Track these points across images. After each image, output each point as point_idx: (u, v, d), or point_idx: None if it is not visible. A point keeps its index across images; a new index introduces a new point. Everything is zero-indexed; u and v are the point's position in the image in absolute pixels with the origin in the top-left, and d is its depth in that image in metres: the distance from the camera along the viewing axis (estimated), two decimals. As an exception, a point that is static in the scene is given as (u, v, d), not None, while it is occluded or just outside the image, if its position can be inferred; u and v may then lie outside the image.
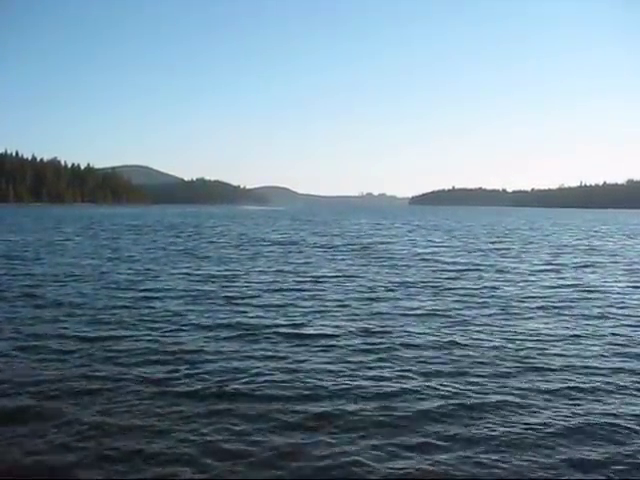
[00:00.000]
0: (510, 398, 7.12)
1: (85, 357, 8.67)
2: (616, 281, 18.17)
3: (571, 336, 10.36)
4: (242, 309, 12.54)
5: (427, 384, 7.60)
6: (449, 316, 12.01)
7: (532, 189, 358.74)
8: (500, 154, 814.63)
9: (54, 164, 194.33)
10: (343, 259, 24.19)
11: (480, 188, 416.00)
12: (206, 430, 6.12)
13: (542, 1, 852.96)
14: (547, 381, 7.81)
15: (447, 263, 22.89)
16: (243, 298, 13.92)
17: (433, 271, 20.11)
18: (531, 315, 12.30)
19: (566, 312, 12.65)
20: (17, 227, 48.34)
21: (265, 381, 7.65)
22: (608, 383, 7.75)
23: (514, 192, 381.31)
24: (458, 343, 9.74)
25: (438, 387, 7.50)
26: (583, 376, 8.03)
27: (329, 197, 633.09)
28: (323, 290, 15.43)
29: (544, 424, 6.35)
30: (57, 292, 14.54)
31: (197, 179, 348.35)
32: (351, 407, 6.78)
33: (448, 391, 7.35)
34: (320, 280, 17.32)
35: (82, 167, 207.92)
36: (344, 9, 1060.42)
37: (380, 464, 5.45)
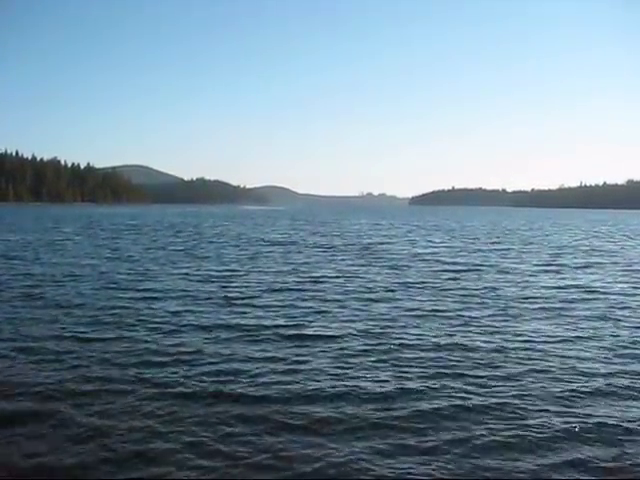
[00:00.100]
0: (510, 400, 7.10)
1: (84, 358, 8.63)
2: (616, 282, 18.15)
3: (571, 337, 10.34)
4: (241, 310, 12.52)
5: (427, 386, 7.57)
6: (449, 317, 11.99)
7: (532, 189, 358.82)
8: (500, 154, 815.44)
9: (54, 164, 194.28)
10: (343, 259, 24.16)
11: (480, 188, 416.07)
12: (205, 432, 6.09)
13: (542, 1, 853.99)
14: (548, 383, 7.78)
15: (447, 263, 22.87)
16: (242, 298, 13.90)
17: (433, 271, 20.09)
18: (531, 316, 12.27)
19: (566, 313, 12.62)
20: (17, 227, 48.31)
21: (264, 382, 7.62)
22: (609, 385, 7.72)
23: (514, 192, 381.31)
24: (458, 344, 9.71)
25: (438, 389, 7.47)
26: (583, 378, 8.01)
27: (329, 197, 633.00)
28: (323, 290, 15.41)
29: (545, 426, 6.33)
30: (56, 292, 14.51)
31: (197, 179, 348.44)
32: (351, 409, 6.76)
33: (448, 393, 7.33)
34: (320, 280, 17.30)
35: (82, 167, 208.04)
36: (344, 9, 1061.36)
37: (380, 466, 5.43)
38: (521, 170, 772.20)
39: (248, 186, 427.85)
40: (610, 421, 6.48)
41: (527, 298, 14.51)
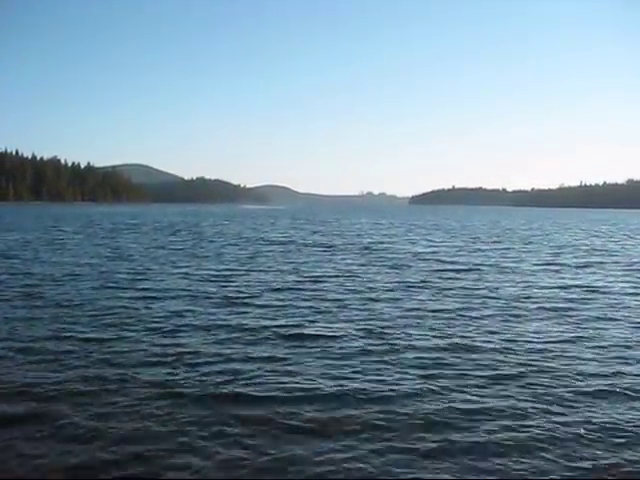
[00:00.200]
0: (511, 401, 7.06)
1: (83, 358, 8.60)
2: (617, 281, 18.11)
3: (572, 337, 10.29)
4: (241, 309, 12.48)
5: (427, 386, 7.53)
6: (449, 317, 11.95)
7: (532, 189, 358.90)
8: (500, 154, 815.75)
9: (54, 163, 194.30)
10: (343, 259, 24.12)
11: (480, 188, 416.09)
12: (204, 433, 6.06)
13: (542, 1, 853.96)
14: (548, 383, 7.74)
15: (447, 263, 22.83)
16: (242, 298, 13.86)
17: (433, 271, 20.05)
18: (532, 316, 12.23)
19: (567, 313, 12.58)
20: (16, 226, 48.27)
21: (263, 383, 7.58)
22: (610, 385, 7.68)
23: (514, 192, 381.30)
24: (458, 344, 9.68)
25: (438, 390, 7.44)
26: (584, 378, 7.97)
27: (329, 196, 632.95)
28: (323, 290, 15.37)
29: (545, 427, 6.29)
30: (55, 292, 14.47)
31: (197, 178, 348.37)
32: (350, 410, 6.72)
33: (448, 394, 7.29)
34: (320, 280, 17.26)
35: (82, 166, 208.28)
36: (344, 9, 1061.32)
37: (379, 468, 5.39)
38: (521, 170, 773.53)
39: (248, 185, 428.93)
40: (611, 422, 6.45)
41: (527, 298, 14.48)
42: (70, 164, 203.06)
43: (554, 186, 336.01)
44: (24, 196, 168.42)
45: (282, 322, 11.24)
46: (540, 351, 9.35)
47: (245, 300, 13.61)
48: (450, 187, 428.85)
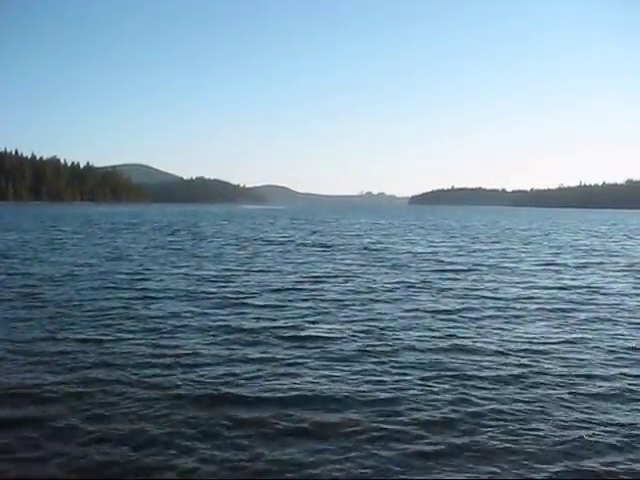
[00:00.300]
0: (510, 403, 7.03)
1: (81, 360, 8.54)
2: (616, 282, 18.08)
3: (572, 338, 10.26)
4: (240, 310, 12.44)
5: (426, 388, 7.50)
6: (448, 317, 11.92)
7: (531, 189, 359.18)
8: (500, 154, 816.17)
9: (53, 163, 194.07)
10: (342, 259, 24.08)
11: (480, 188, 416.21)
12: (201, 435, 6.02)
13: (542, 1, 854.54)
14: (548, 385, 7.71)
15: (446, 263, 22.79)
16: (241, 299, 13.82)
17: (432, 271, 20.02)
18: (531, 316, 12.20)
19: (566, 314, 12.55)
20: (15, 225, 48.21)
21: (262, 385, 7.54)
22: (610, 387, 7.65)
23: (514, 192, 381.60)
24: (457, 345, 9.64)
25: (437, 391, 7.40)
26: (585, 379, 7.94)
27: (329, 196, 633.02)
28: (322, 290, 15.34)
29: (546, 429, 6.26)
30: (54, 292, 14.43)
31: (197, 178, 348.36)
32: (349, 412, 6.67)
33: (447, 395, 7.25)
34: (319, 280, 17.23)
35: (82, 166, 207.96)
36: (344, 9, 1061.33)
37: (379, 470, 5.35)
38: (521, 170, 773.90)
39: (248, 185, 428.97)
40: (612, 423, 6.42)
41: (527, 298, 14.45)
42: (69, 164, 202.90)
43: (554, 186, 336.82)
44: (23, 196, 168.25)
45: (281, 323, 11.20)
46: (539, 352, 9.31)
47: (244, 300, 13.57)
48: (450, 187, 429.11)
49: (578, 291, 15.83)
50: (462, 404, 6.95)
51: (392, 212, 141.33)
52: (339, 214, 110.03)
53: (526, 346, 9.66)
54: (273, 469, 5.36)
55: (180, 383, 7.54)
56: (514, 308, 13.11)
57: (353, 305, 13.20)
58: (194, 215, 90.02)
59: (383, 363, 8.58)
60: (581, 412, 6.78)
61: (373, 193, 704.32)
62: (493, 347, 9.58)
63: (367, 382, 7.70)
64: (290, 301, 13.60)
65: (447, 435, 6.10)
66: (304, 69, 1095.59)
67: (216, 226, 54.01)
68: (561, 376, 8.07)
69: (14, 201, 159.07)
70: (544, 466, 5.48)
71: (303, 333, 10.39)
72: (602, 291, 15.91)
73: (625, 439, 6.06)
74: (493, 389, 7.52)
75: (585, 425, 6.39)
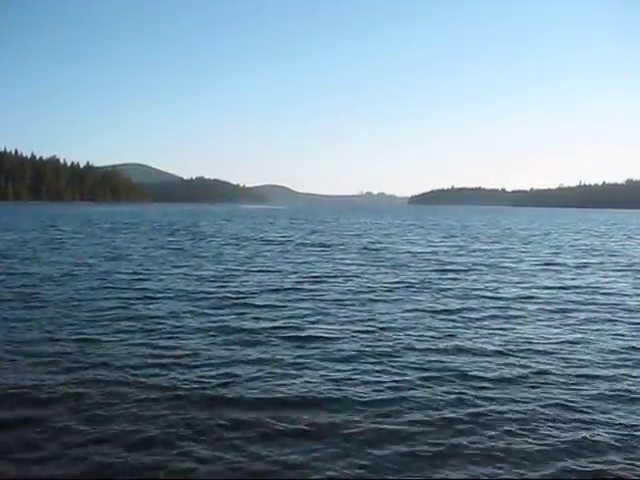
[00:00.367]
0: (510, 403, 7.01)
1: (80, 361, 8.51)
2: (616, 281, 18.07)
3: (572, 339, 10.24)
4: (239, 310, 12.42)
5: (426, 389, 7.48)
6: (448, 317, 11.90)
7: (531, 189, 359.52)
8: (500, 154, 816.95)
9: (53, 162, 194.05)
10: (342, 259, 24.06)
11: (479, 188, 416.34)
12: (200, 436, 6.00)
13: (542, 1, 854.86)
14: (549, 385, 7.69)
15: (446, 263, 22.77)
16: (241, 299, 13.80)
17: (432, 271, 20.00)
18: (531, 316, 12.18)
19: (566, 314, 12.53)
20: (15, 225, 48.17)
21: (262, 386, 7.52)
22: (611, 388, 7.63)
23: (513, 192, 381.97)
24: (457, 345, 9.63)
25: (437, 392, 7.38)
26: (585, 380, 7.92)
27: (328, 196, 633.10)
28: (321, 290, 15.32)
29: (545, 430, 6.24)
30: (53, 292, 14.41)
31: (196, 178, 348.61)
32: (349, 413, 6.65)
33: (447, 397, 7.23)
34: (319, 280, 17.21)
35: (81, 165, 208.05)
36: (344, 9, 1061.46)
37: (378, 472, 5.33)
38: (521, 170, 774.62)
39: (248, 185, 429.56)
40: (612, 424, 6.40)
41: (527, 298, 14.43)
42: (69, 164, 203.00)
43: (553, 186, 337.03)
44: (23, 196, 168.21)
45: (280, 323, 11.18)
46: (540, 352, 9.29)
47: (243, 300, 13.55)
48: (450, 187, 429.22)
49: (578, 291, 15.82)
50: (462, 404, 6.94)
51: (392, 212, 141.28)
52: (339, 214, 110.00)
53: (526, 346, 9.64)
54: (273, 469, 5.34)
55: (179, 383, 7.52)
56: (514, 308, 13.09)
57: (353, 305, 13.19)
58: (194, 215, 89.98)
59: (383, 363, 8.56)
60: (581, 412, 6.76)
61: (373, 193, 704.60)
62: (493, 347, 9.57)
63: (366, 382, 7.68)
64: (290, 301, 13.58)
65: (447, 435, 6.08)
66: (304, 69, 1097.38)
67: (216, 226, 53.97)
68: (561, 376, 8.06)
69: (14, 201, 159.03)
70: (544, 466, 5.46)
71: (302, 333, 10.37)
72: (602, 291, 15.89)
73: (625, 439, 6.04)
74: (493, 389, 7.50)
75: (585, 425, 6.38)
